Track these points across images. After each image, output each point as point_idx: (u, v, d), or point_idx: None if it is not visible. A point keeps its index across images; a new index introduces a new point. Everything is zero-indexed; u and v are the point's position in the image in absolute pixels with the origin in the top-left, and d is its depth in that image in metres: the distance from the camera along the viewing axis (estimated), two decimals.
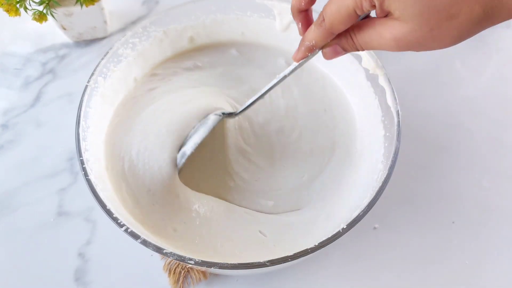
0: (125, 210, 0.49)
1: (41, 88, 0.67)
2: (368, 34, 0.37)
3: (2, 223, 0.56)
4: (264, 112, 0.59)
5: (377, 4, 0.34)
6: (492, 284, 0.53)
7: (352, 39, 0.39)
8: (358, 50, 0.40)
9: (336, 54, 0.42)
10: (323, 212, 0.52)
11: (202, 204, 0.51)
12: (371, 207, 0.44)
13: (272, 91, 0.50)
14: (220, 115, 0.53)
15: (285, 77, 0.47)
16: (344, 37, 0.40)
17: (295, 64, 0.45)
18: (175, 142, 0.52)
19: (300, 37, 0.44)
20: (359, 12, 0.36)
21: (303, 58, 0.44)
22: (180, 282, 0.52)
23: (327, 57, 0.42)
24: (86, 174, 0.45)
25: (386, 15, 0.35)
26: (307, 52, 0.43)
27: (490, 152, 0.62)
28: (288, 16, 0.60)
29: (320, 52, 0.43)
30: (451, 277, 0.53)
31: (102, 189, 0.46)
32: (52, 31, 0.72)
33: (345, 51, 0.41)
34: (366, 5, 0.35)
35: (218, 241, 0.49)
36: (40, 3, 0.62)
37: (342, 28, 0.38)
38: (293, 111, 0.59)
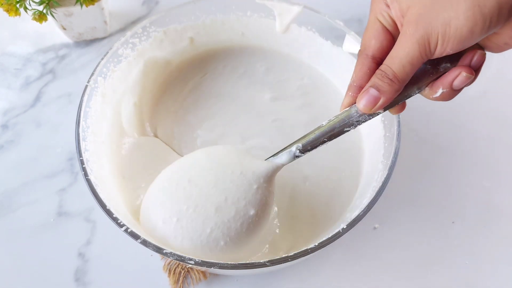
0: (126, 209, 0.49)
1: (41, 88, 0.67)
2: None
3: (2, 223, 0.56)
4: None
5: None
6: (492, 284, 0.53)
7: None
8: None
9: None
10: (323, 211, 0.52)
11: None
12: (371, 207, 0.44)
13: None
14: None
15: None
16: None
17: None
18: None
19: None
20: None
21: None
22: (180, 282, 0.52)
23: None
24: (86, 174, 0.45)
25: None
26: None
27: (490, 152, 0.62)
28: (288, 17, 0.60)
29: None
30: (451, 277, 0.54)
31: (102, 189, 0.46)
32: (52, 31, 0.71)
33: None
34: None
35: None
36: (40, 3, 0.62)
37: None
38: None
